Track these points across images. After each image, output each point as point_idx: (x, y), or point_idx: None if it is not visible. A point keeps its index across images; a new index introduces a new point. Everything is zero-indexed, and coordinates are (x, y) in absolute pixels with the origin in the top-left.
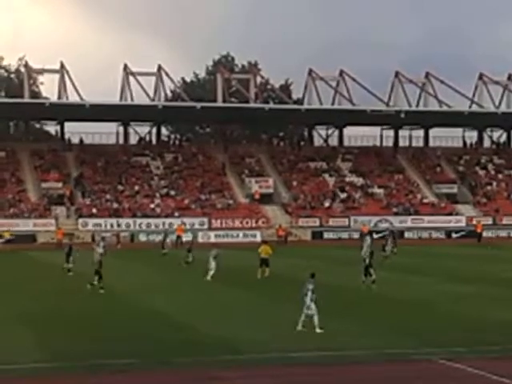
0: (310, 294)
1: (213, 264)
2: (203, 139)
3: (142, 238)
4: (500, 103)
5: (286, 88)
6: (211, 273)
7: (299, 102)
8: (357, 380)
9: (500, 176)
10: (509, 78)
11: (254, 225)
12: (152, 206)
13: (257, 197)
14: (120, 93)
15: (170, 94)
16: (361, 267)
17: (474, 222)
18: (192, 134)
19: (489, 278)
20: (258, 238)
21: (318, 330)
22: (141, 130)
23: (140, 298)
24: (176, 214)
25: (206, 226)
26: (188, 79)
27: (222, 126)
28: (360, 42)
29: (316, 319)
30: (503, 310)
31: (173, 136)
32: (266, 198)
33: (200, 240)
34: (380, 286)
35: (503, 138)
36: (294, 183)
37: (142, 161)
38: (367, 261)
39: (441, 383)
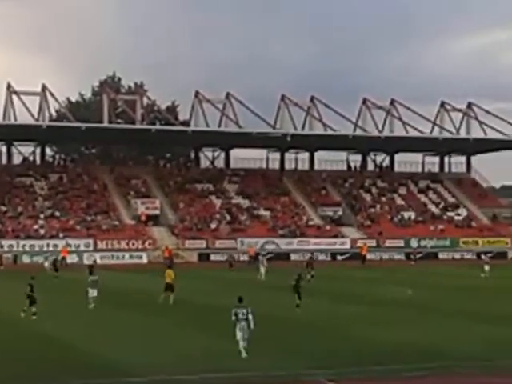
0: (245, 317)
1: (90, 292)
2: (88, 160)
3: (26, 259)
4: (383, 128)
5: (172, 110)
6: (92, 300)
7: (186, 123)
8: None
9: (383, 199)
10: (391, 103)
11: (140, 246)
12: (36, 227)
13: (143, 218)
14: (3, 112)
15: (54, 114)
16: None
17: (360, 244)
18: (77, 154)
19: (376, 299)
20: (145, 260)
21: (244, 355)
22: (25, 150)
23: (28, 320)
24: (61, 235)
25: (91, 248)
26: (73, 99)
27: (107, 147)
28: (247, 65)
29: (246, 344)
30: (390, 331)
31: (57, 156)
32: (152, 220)
33: (85, 262)
34: (271, 307)
35: (386, 162)
36: (181, 205)
37: (26, 181)
38: (293, 283)
39: None
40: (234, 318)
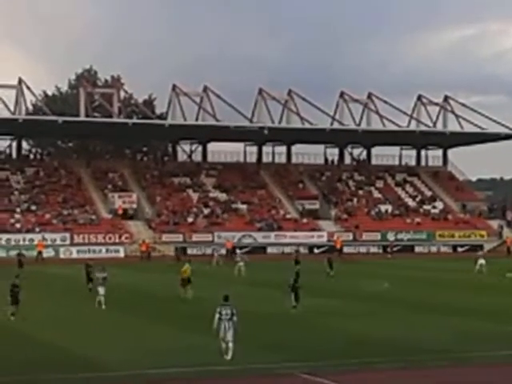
0: (229, 318)
1: (101, 290)
2: (65, 153)
3: (2, 253)
4: (360, 121)
5: (149, 103)
6: (102, 299)
7: (163, 117)
8: None
9: (360, 192)
10: (369, 97)
11: (117, 240)
12: (12, 221)
13: (120, 212)
14: None
15: (31, 108)
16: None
17: (334, 238)
18: (54, 148)
19: (351, 292)
20: (122, 254)
21: (229, 358)
22: (0, 144)
23: (5, 319)
24: (37, 229)
25: (67, 242)
26: (50, 93)
27: (84, 141)
28: (225, 58)
29: (231, 346)
30: (366, 324)
31: (34, 150)
32: (129, 214)
33: (62, 256)
34: (245, 300)
35: (363, 155)
36: (158, 198)
37: (2, 175)
38: (291, 282)
39: None
40: (217, 316)
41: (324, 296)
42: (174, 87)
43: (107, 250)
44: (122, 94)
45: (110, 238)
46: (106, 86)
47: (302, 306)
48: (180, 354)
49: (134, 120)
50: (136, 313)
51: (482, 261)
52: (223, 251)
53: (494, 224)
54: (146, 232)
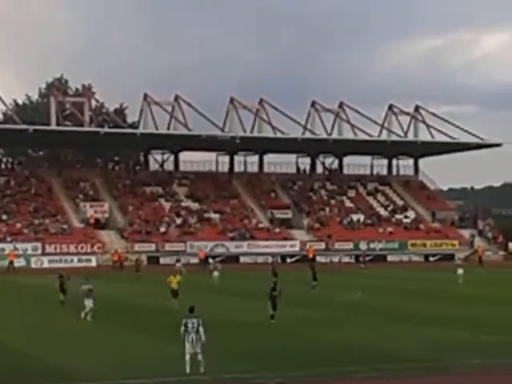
0: (196, 329)
1: (88, 302)
2: (36, 163)
3: None
4: (332, 130)
5: (120, 112)
6: (88, 311)
7: (134, 126)
8: None
9: (332, 202)
10: (340, 106)
11: (89, 250)
12: None
13: (92, 221)
14: None
15: (1, 117)
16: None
17: (308, 247)
18: (25, 157)
19: (324, 301)
20: (94, 263)
21: (202, 370)
22: None
23: None
24: (8, 238)
25: (39, 251)
26: (20, 101)
27: (55, 150)
28: (196, 68)
29: (201, 359)
30: (340, 333)
31: (5, 159)
32: (101, 223)
33: (33, 265)
34: (219, 310)
35: (335, 165)
36: (130, 208)
37: None
38: (269, 291)
39: None
40: (183, 328)
41: (297, 305)
42: (146, 96)
43: (79, 260)
44: (94, 102)
45: (81, 248)
46: (77, 95)
47: (277, 316)
48: (156, 365)
49: (106, 129)
50: (111, 322)
51: (460, 271)
52: (195, 260)
53: (466, 233)
54: (118, 241)
